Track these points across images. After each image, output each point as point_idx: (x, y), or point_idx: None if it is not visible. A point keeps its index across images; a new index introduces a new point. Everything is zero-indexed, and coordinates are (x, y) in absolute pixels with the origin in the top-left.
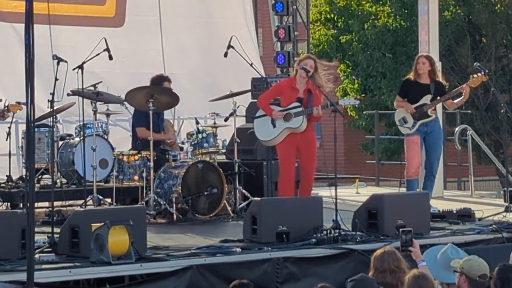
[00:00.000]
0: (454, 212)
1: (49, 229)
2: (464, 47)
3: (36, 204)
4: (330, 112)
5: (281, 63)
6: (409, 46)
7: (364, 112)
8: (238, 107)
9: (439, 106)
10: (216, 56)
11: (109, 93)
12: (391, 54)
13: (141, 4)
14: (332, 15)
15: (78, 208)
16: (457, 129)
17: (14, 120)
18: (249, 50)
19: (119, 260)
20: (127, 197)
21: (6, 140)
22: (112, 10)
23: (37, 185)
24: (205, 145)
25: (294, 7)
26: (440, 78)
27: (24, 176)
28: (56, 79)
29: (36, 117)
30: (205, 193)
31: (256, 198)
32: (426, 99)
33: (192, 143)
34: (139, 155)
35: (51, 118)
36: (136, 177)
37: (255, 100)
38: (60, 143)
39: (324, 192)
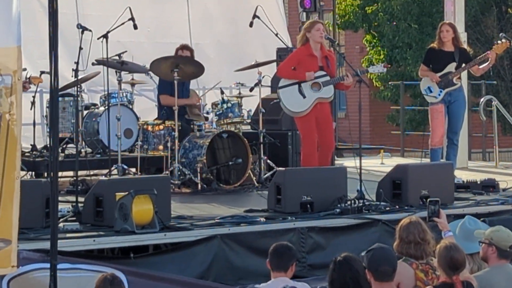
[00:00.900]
0: (478, 182)
1: (73, 198)
2: (490, 18)
3: (60, 174)
4: (355, 82)
5: (307, 8)
6: (435, 16)
7: (390, 83)
8: (263, 77)
9: (464, 77)
10: (242, 26)
11: (134, 62)
12: (417, 25)
13: None
14: None
15: (103, 178)
16: (482, 99)
17: (39, 89)
18: (275, 20)
19: (143, 229)
20: (151, 166)
21: (31, 109)
22: None
23: (62, 154)
24: (230, 115)
25: None
26: (464, 45)
27: (48, 145)
28: (81, 48)
29: (60, 87)
30: (230, 163)
31: (280, 168)
32: (451, 67)
33: (217, 113)
34: (164, 125)
35: (76, 87)
36: (160, 147)
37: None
38: (85, 112)
39: (348, 163)
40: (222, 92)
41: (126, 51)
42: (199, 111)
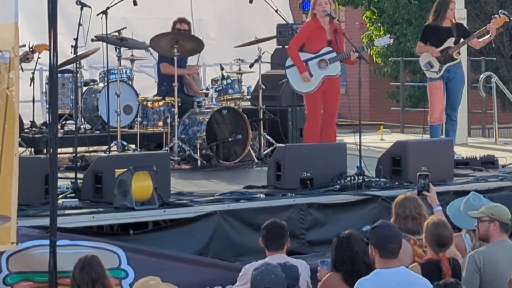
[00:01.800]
0: (478, 159)
1: (72, 175)
2: None
3: (59, 150)
4: (355, 59)
5: (306, 10)
6: None
7: (390, 59)
8: (263, 53)
9: (464, 53)
10: (243, 1)
11: (134, 39)
12: (417, 1)
13: None
14: None
15: (102, 154)
16: (481, 76)
17: (38, 67)
18: None
19: (142, 206)
20: (151, 143)
21: (30, 85)
22: None
23: (61, 130)
24: (230, 91)
25: None
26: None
27: (47, 122)
28: (80, 25)
29: (59, 63)
30: (230, 139)
31: (280, 145)
32: (450, 42)
33: (217, 89)
34: (164, 101)
35: (75, 63)
36: (160, 123)
37: (280, 47)
38: (84, 88)
39: (348, 139)
40: (222, 68)
41: (126, 27)
42: (199, 87)
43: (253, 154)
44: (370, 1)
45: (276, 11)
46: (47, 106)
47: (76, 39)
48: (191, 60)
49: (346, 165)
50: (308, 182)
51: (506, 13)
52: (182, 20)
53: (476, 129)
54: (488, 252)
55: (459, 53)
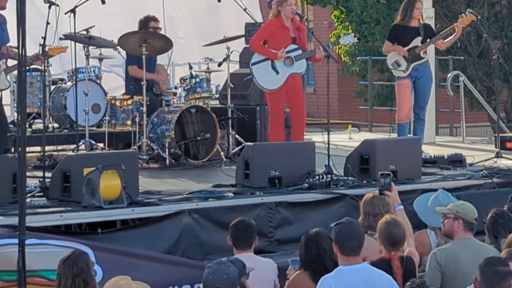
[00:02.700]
0: (446, 157)
1: (40, 174)
2: None
3: (27, 149)
4: (322, 56)
5: None
6: None
7: (358, 58)
8: (231, 52)
9: (431, 52)
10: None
11: (102, 37)
12: (385, 0)
13: None
14: None
15: (70, 153)
16: (449, 75)
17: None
18: None
19: (110, 205)
20: (119, 142)
21: None
22: None
23: (29, 129)
24: (198, 90)
25: None
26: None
27: (15, 121)
28: (48, 23)
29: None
30: (198, 138)
31: (248, 143)
32: (417, 41)
33: (185, 88)
34: (132, 100)
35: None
36: (128, 122)
37: (249, 45)
38: (52, 87)
39: (317, 137)
40: (191, 67)
41: (94, 26)
42: (167, 86)
43: (222, 153)
44: (338, 0)
45: (245, 10)
46: (15, 104)
47: (44, 38)
48: (161, 59)
49: (314, 163)
50: (277, 180)
51: (474, 13)
52: (154, 19)
53: (443, 128)
54: (450, 249)
55: (426, 52)
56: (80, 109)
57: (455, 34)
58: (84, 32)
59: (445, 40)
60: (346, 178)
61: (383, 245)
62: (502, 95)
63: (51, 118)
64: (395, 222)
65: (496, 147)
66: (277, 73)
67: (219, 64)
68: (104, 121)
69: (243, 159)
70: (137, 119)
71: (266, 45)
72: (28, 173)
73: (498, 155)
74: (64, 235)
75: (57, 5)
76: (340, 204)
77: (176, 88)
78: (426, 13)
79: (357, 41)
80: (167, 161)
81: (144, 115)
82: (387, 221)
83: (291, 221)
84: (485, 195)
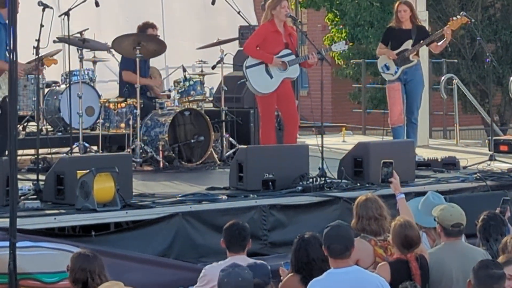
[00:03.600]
0: (439, 160)
1: (34, 176)
2: None
3: (21, 152)
4: (317, 60)
5: None
6: None
7: (352, 61)
8: (225, 55)
9: (425, 55)
10: (206, 3)
11: (96, 40)
12: (378, 3)
13: None
14: None
15: (64, 155)
16: (443, 78)
17: None
18: None
19: (104, 207)
20: (113, 144)
21: None
22: None
23: (23, 132)
24: (192, 93)
25: None
26: (424, 24)
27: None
28: (42, 26)
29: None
30: (192, 141)
31: (242, 146)
32: (408, 44)
33: (179, 90)
34: (126, 103)
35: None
36: (122, 125)
37: (242, 48)
38: (46, 90)
39: (310, 140)
40: (184, 70)
41: (88, 29)
42: (161, 90)
43: (215, 156)
44: (332, 3)
45: (239, 13)
46: None
47: (38, 40)
48: (157, 63)
49: (308, 166)
50: (270, 183)
51: (467, 16)
52: (153, 26)
53: (437, 131)
54: (435, 253)
55: (417, 55)
56: (74, 111)
57: (445, 39)
58: (78, 35)
59: (438, 44)
60: (339, 181)
61: (397, 247)
62: (495, 98)
63: (45, 120)
64: (409, 225)
65: (489, 150)
66: (271, 77)
67: (213, 67)
68: (98, 124)
69: (236, 161)
70: (131, 122)
71: (257, 48)
72: (21, 176)
73: (491, 158)
74: (57, 237)
75: (51, 8)
76: (334, 207)
77: (170, 90)
78: (419, 16)
79: (350, 45)
80: (161, 164)
81: (138, 118)
82: (401, 224)
83: (285, 224)
84: (479, 198)
